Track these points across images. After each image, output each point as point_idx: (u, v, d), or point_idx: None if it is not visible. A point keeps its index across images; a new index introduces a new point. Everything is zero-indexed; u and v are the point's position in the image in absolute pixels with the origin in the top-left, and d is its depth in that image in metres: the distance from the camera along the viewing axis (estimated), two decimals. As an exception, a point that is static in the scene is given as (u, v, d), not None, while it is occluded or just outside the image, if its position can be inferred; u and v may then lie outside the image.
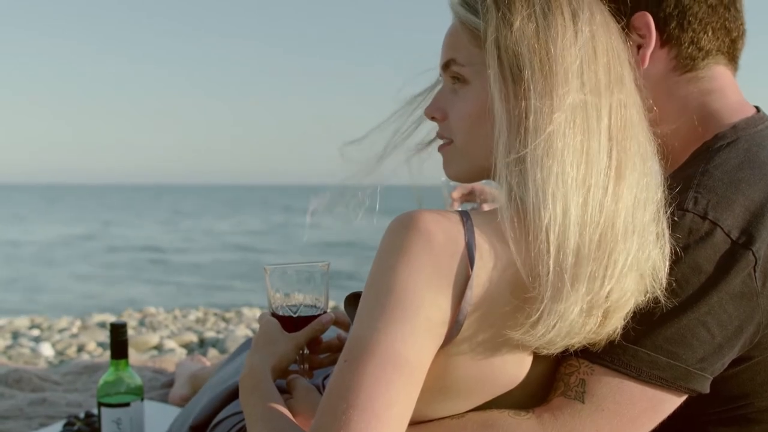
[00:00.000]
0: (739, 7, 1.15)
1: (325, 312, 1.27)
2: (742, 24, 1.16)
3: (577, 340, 0.93)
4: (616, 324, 0.95)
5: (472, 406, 0.99)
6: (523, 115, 0.92)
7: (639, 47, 1.12)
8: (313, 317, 1.25)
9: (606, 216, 0.90)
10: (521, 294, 0.90)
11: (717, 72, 1.15)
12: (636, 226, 0.92)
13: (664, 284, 0.96)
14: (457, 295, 0.89)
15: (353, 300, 1.10)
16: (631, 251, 0.91)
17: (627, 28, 1.09)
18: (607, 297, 0.91)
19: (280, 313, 1.26)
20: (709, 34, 1.12)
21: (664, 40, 1.12)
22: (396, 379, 0.84)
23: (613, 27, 1.00)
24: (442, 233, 0.89)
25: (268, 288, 1.27)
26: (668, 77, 1.14)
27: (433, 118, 1.09)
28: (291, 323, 1.24)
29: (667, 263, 0.96)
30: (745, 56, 1.19)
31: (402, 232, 0.89)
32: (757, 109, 1.17)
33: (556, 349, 0.93)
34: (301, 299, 1.27)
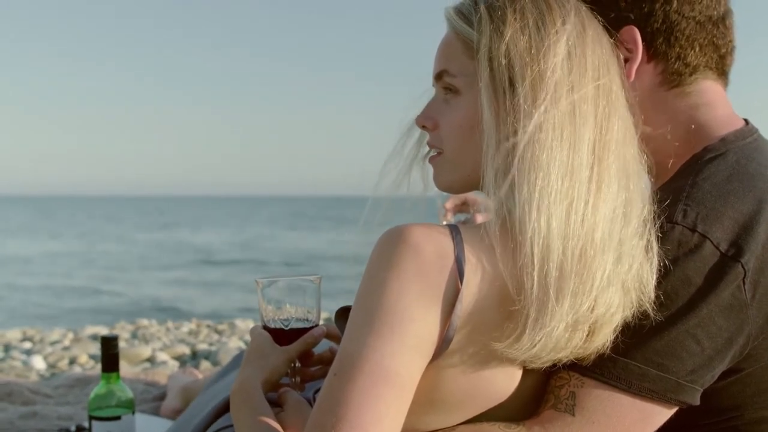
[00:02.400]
0: (728, 24, 1.16)
1: (316, 325, 1.27)
2: (731, 41, 1.16)
3: (563, 355, 0.93)
4: (604, 339, 0.95)
5: (462, 419, 0.99)
6: (512, 128, 0.92)
7: (626, 61, 1.12)
8: (305, 330, 1.25)
9: (587, 229, 0.90)
10: (508, 307, 0.90)
11: (705, 86, 1.15)
12: (613, 239, 0.92)
13: (653, 297, 0.96)
14: (446, 309, 0.89)
15: (343, 313, 1.09)
16: (607, 265, 0.91)
17: (614, 42, 1.09)
18: (591, 312, 0.91)
19: (272, 326, 1.26)
20: (696, 50, 1.13)
21: (651, 54, 1.13)
22: (385, 393, 0.84)
23: (606, 42, 1.00)
24: (432, 247, 0.89)
25: (260, 301, 1.27)
26: (655, 92, 1.14)
27: (423, 127, 1.09)
28: (283, 336, 1.24)
29: (655, 276, 0.96)
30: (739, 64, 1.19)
31: (391, 246, 0.89)
32: (746, 121, 1.17)
33: (542, 363, 0.93)
34: (292, 312, 1.27)
